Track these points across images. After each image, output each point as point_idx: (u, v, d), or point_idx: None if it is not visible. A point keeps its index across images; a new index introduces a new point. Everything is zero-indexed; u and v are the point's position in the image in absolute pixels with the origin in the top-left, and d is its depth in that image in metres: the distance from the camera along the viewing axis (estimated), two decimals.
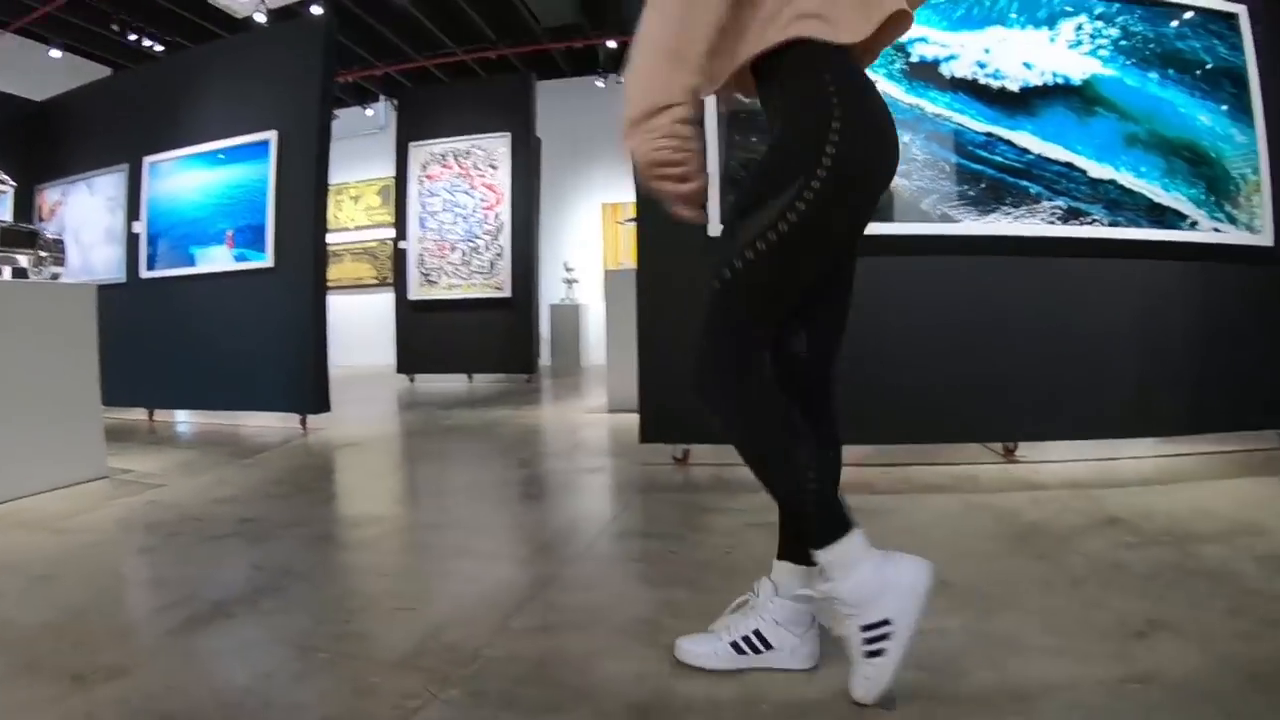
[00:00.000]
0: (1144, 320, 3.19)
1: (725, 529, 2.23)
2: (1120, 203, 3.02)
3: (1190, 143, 3.32)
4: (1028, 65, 3.08)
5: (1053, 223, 2.90)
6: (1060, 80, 3.12)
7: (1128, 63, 3.29)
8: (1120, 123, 3.16)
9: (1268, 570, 1.96)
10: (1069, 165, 3.00)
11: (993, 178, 2.88)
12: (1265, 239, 3.36)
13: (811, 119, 1.19)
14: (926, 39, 3.09)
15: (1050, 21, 3.20)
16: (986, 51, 3.07)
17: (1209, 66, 3.51)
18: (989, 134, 2.93)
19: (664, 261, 3.00)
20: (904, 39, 2.79)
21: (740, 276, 1.22)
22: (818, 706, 1.26)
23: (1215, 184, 3.32)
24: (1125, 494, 2.61)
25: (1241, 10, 3.63)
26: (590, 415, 4.75)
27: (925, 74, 3.04)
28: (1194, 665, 1.44)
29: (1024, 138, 2.97)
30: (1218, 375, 3.49)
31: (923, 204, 2.81)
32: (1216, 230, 3.26)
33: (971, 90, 2.99)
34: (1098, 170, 3.03)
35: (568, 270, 9.31)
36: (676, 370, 3.14)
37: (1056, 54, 3.18)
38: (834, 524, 1.26)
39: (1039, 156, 2.97)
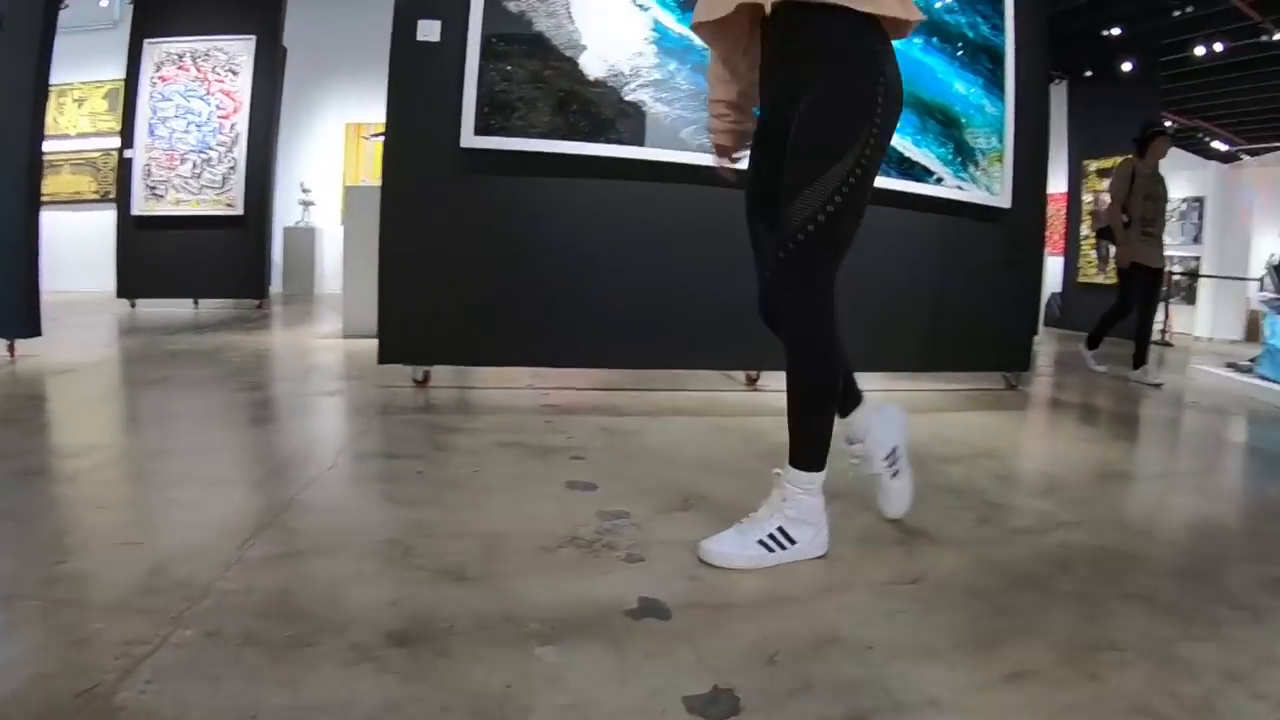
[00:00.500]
0: (889, 264, 3.66)
1: (471, 448, 2.36)
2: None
3: (944, 107, 3.53)
4: None
5: None
6: None
7: None
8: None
9: (1007, 488, 2.31)
10: None
11: (754, 113, 2.88)
12: (1003, 201, 3.70)
13: (866, 88, 1.48)
14: None
15: None
16: None
17: (971, 40, 3.67)
18: None
19: (410, 177, 3.14)
20: None
21: (823, 229, 1.49)
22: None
23: (962, 147, 3.58)
24: None
25: None
26: (325, 341, 4.66)
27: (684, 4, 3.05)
28: (956, 567, 1.62)
29: None
30: (954, 320, 3.97)
31: (682, 133, 2.81)
32: (960, 188, 3.54)
33: None
34: None
35: (304, 191, 8.83)
36: (419, 288, 3.01)
37: None
38: (855, 396, 1.79)
39: None
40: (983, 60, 3.95)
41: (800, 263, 1.51)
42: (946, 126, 3.73)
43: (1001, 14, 4.07)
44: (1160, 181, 5.42)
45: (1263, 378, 5.30)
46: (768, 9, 1.51)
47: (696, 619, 1.28)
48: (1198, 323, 12.53)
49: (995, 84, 3.97)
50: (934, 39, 3.79)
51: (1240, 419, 4.15)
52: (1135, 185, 5.30)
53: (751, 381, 3.59)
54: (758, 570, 1.50)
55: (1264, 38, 9.17)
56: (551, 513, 1.76)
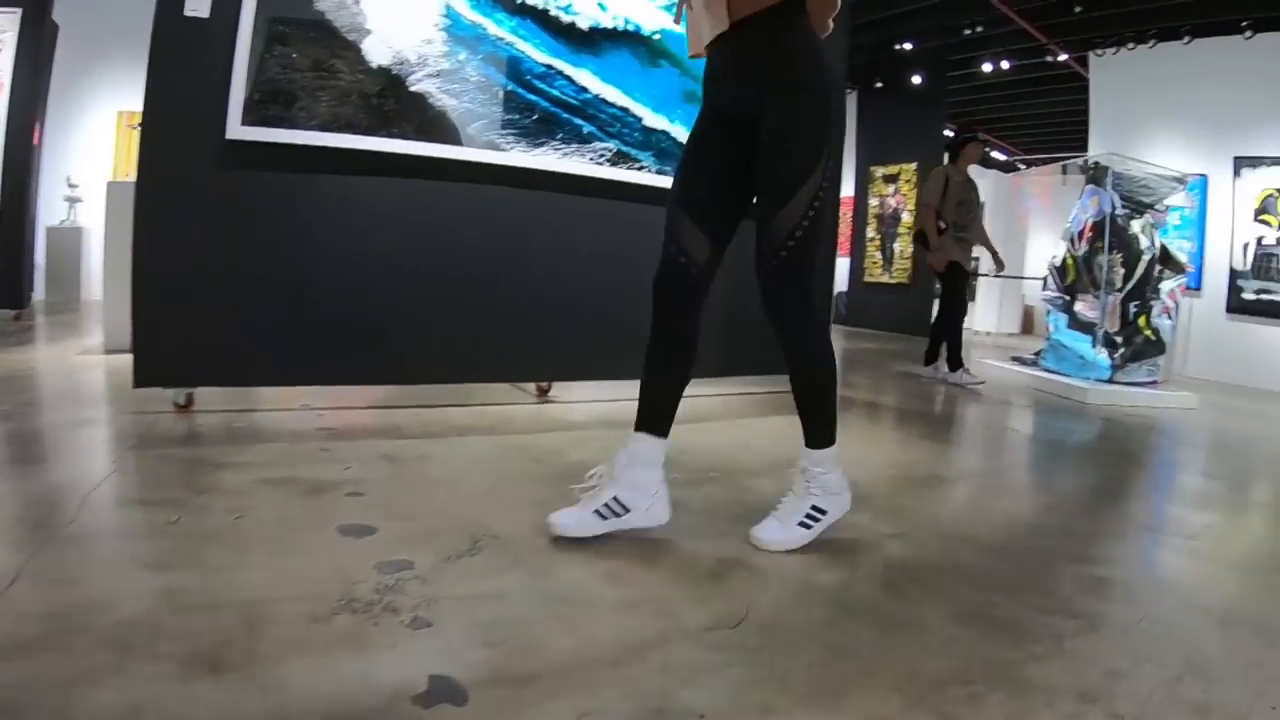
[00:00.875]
0: None
1: (235, 488, 2.05)
2: (670, 153, 3.16)
3: None
4: (602, 6, 3.15)
5: (600, 163, 2.87)
6: (632, 28, 3.19)
7: None
8: (682, 78, 3.29)
9: None
10: (625, 110, 3.05)
11: (547, 110, 2.83)
12: None
13: (824, 101, 1.70)
14: None
15: None
16: None
17: None
18: (550, 66, 2.90)
19: (170, 170, 2.76)
20: None
21: (809, 233, 1.71)
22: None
23: None
24: (674, 434, 2.78)
25: None
26: (84, 357, 4.11)
27: None
28: (780, 599, 1.53)
29: (585, 76, 2.97)
30: (750, 322, 3.75)
31: (470, 128, 2.65)
32: None
33: (540, 19, 2.96)
34: (653, 119, 3.12)
35: (71, 187, 7.97)
36: (179, 299, 2.68)
37: (633, 1, 3.14)
38: (834, 430, 1.84)
39: (597, 96, 2.98)
40: None
41: (794, 265, 1.72)
42: None
43: None
44: (973, 187, 5.65)
45: (1047, 370, 5.94)
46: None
47: (498, 700, 1.11)
48: (978, 319, 13.80)
49: None
50: None
51: (1031, 410, 4.58)
52: (949, 191, 5.51)
53: (543, 393, 3.45)
54: (568, 629, 1.36)
55: (1049, 58, 10.08)
56: (324, 568, 1.54)
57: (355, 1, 2.83)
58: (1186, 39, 8.81)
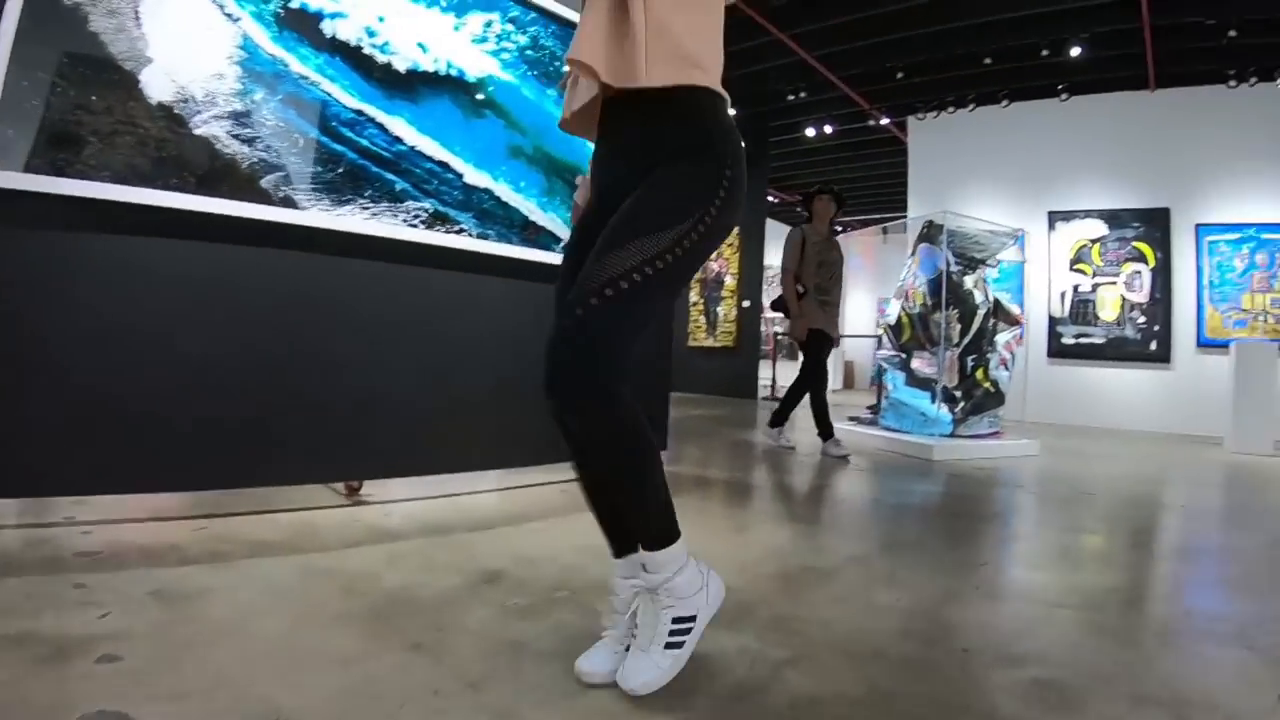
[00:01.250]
0: (502, 342, 3.32)
1: None
2: (493, 214, 2.95)
3: (575, 166, 3.38)
4: (423, 47, 2.84)
5: (415, 225, 2.61)
6: (455, 73, 2.94)
7: (530, 73, 3.22)
8: (507, 131, 3.09)
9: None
10: (444, 165, 2.82)
11: (354, 163, 2.56)
12: None
13: (710, 165, 1.45)
14: None
15: (460, 9, 3.01)
16: (380, 20, 2.76)
17: None
18: (360, 112, 2.60)
19: None
20: None
21: (625, 297, 1.35)
22: None
23: None
24: (494, 538, 2.59)
25: None
26: None
27: (302, 25, 2.69)
28: None
29: (399, 125, 2.70)
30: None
31: (264, 180, 2.32)
32: None
33: (351, 58, 2.66)
34: (474, 176, 2.91)
35: None
36: None
37: (457, 44, 3.00)
38: (673, 526, 1.51)
39: (412, 149, 2.73)
40: None
41: (601, 338, 1.36)
42: (575, 190, 3.63)
43: None
44: (834, 247, 5.36)
45: (888, 428, 6.02)
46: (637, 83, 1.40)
47: None
48: (780, 377, 14.54)
49: None
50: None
51: (881, 474, 4.50)
52: (806, 253, 5.20)
53: (353, 491, 3.00)
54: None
55: (870, 122, 10.69)
56: None
57: (137, 23, 2.43)
58: (1005, 102, 9.68)
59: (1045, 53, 8.51)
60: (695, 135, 1.45)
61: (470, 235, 3.13)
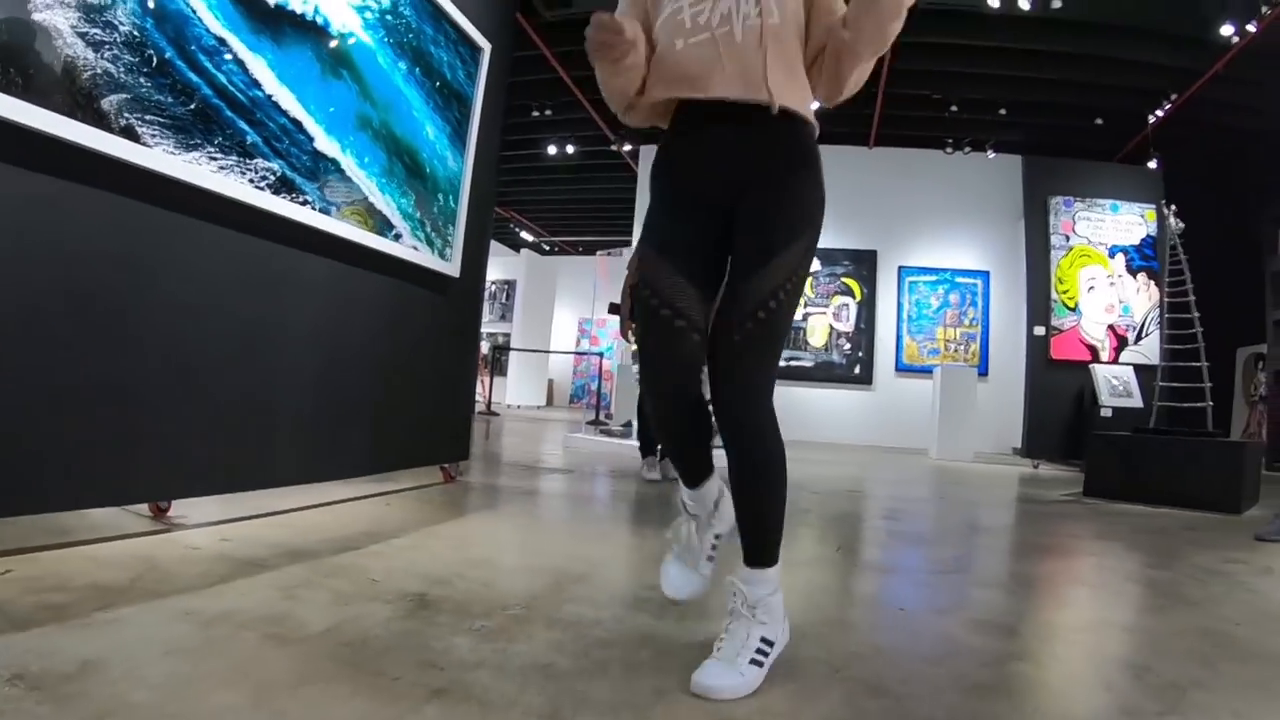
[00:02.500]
0: (333, 338, 3.07)
1: None
2: (336, 189, 2.66)
3: (414, 149, 3.20)
4: None
5: (262, 189, 2.29)
6: (320, 20, 2.65)
7: (387, 40, 3.01)
8: (360, 100, 2.86)
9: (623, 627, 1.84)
10: (297, 124, 2.53)
11: (208, 101, 2.20)
12: (453, 269, 3.45)
13: (819, 189, 1.69)
14: None
15: None
16: None
17: (448, 81, 3.42)
18: (223, 41, 2.25)
19: None
20: None
21: (778, 313, 1.57)
22: None
23: (423, 201, 3.24)
24: (371, 558, 2.37)
25: (488, 48, 3.68)
26: None
27: None
28: None
29: (260, 67, 2.38)
30: (401, 408, 3.57)
31: (105, 100, 1.87)
32: (415, 249, 3.15)
33: None
34: (325, 142, 2.65)
35: None
36: None
37: None
38: (779, 548, 1.65)
39: (269, 98, 2.41)
40: (454, 108, 3.72)
41: (763, 343, 1.57)
42: (412, 174, 3.37)
43: (477, 62, 3.92)
44: None
45: None
46: (775, 109, 1.58)
47: None
48: (509, 392, 14.78)
49: (460, 137, 3.78)
50: (417, 69, 3.41)
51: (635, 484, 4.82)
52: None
53: (161, 513, 2.50)
54: None
55: (612, 147, 11.13)
56: None
57: None
58: None
59: None
60: (809, 152, 1.67)
61: (313, 209, 2.76)
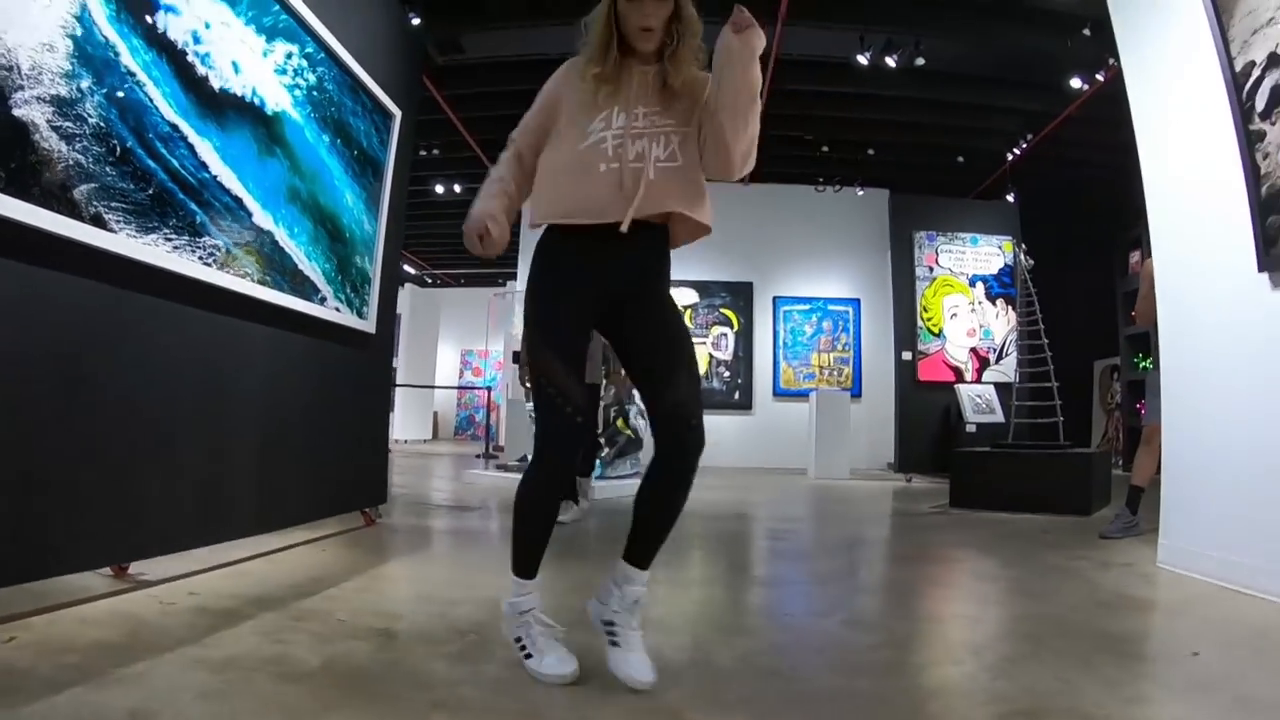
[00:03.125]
0: (271, 397, 3.25)
1: None
2: (271, 259, 2.93)
3: (335, 216, 3.46)
4: (236, 67, 2.78)
5: (210, 265, 2.50)
6: (257, 102, 2.90)
7: (313, 115, 3.27)
8: (291, 174, 3.12)
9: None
10: (239, 201, 2.78)
11: (163, 185, 2.44)
12: (369, 326, 3.69)
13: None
14: None
15: (271, 34, 2.95)
16: (207, 26, 2.64)
17: (364, 149, 3.68)
18: (175, 127, 2.50)
19: None
20: None
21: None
22: None
23: (345, 264, 3.49)
24: (333, 601, 2.62)
25: (399, 115, 3.97)
26: None
27: (138, 9, 2.49)
28: None
29: (207, 150, 2.64)
30: (330, 457, 3.77)
31: (77, 190, 2.07)
32: (337, 310, 3.39)
33: (175, 63, 2.56)
34: (261, 217, 2.89)
35: None
36: None
37: (263, 71, 2.94)
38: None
39: (214, 178, 2.67)
40: (369, 174, 3.96)
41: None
42: (334, 240, 3.59)
43: (389, 129, 4.17)
44: None
45: None
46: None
47: None
48: (396, 426, 14.66)
49: (374, 201, 4.02)
50: (338, 140, 3.63)
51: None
52: None
53: (122, 572, 2.58)
54: None
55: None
56: None
57: None
58: None
59: None
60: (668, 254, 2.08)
61: (251, 280, 2.94)
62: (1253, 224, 3.07)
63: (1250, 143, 3.07)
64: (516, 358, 6.03)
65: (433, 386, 16.85)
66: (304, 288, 3.35)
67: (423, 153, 10.18)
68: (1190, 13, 3.35)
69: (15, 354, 2.07)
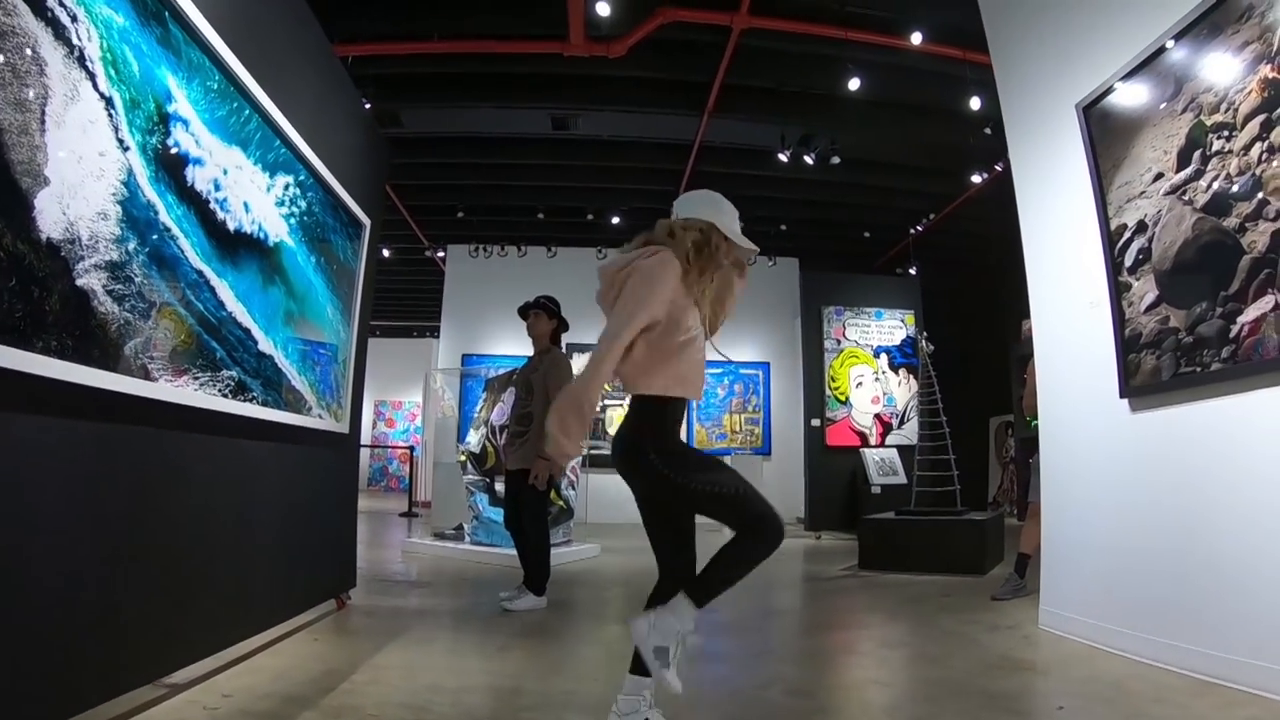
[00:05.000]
0: (274, 502, 3.51)
1: None
2: (273, 381, 3.16)
3: (320, 330, 3.67)
4: (246, 207, 3.00)
5: (226, 396, 2.75)
6: (261, 236, 3.18)
7: (303, 239, 3.55)
8: (287, 298, 3.39)
9: None
10: (247, 332, 3.07)
11: (192, 329, 2.61)
12: (345, 428, 3.93)
13: None
14: (190, 122, 2.77)
15: (274, 169, 3.21)
16: (225, 173, 2.85)
17: (342, 262, 3.97)
18: (200, 274, 2.74)
19: None
20: (173, 110, 2.65)
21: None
22: None
23: (325, 373, 3.74)
24: (362, 694, 2.91)
25: (369, 224, 4.24)
26: None
27: (174, 168, 2.71)
28: None
29: (224, 290, 2.94)
30: (314, 551, 4.07)
31: (127, 346, 2.30)
32: (321, 418, 3.65)
33: (199, 212, 2.80)
34: (265, 344, 3.19)
35: None
36: None
37: (266, 206, 3.19)
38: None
39: (231, 316, 2.97)
40: (344, 284, 4.21)
41: None
42: (319, 352, 3.82)
43: (361, 239, 4.44)
44: (534, 367, 5.00)
45: (479, 543, 7.32)
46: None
47: None
48: None
49: (348, 310, 4.26)
50: (322, 258, 3.88)
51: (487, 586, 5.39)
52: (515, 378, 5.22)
53: None
54: None
55: (426, 254, 11.93)
56: None
57: (41, 129, 2.05)
58: (553, 250, 11.79)
59: (590, 216, 11.02)
60: None
61: (257, 403, 3.16)
62: (1117, 359, 3.72)
63: (1119, 292, 3.72)
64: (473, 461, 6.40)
65: (367, 446, 16.69)
66: (297, 403, 3.60)
67: None
68: (1075, 175, 4.00)
69: (82, 508, 2.26)
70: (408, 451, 15.35)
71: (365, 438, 18.45)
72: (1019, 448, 11.36)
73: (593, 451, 11.51)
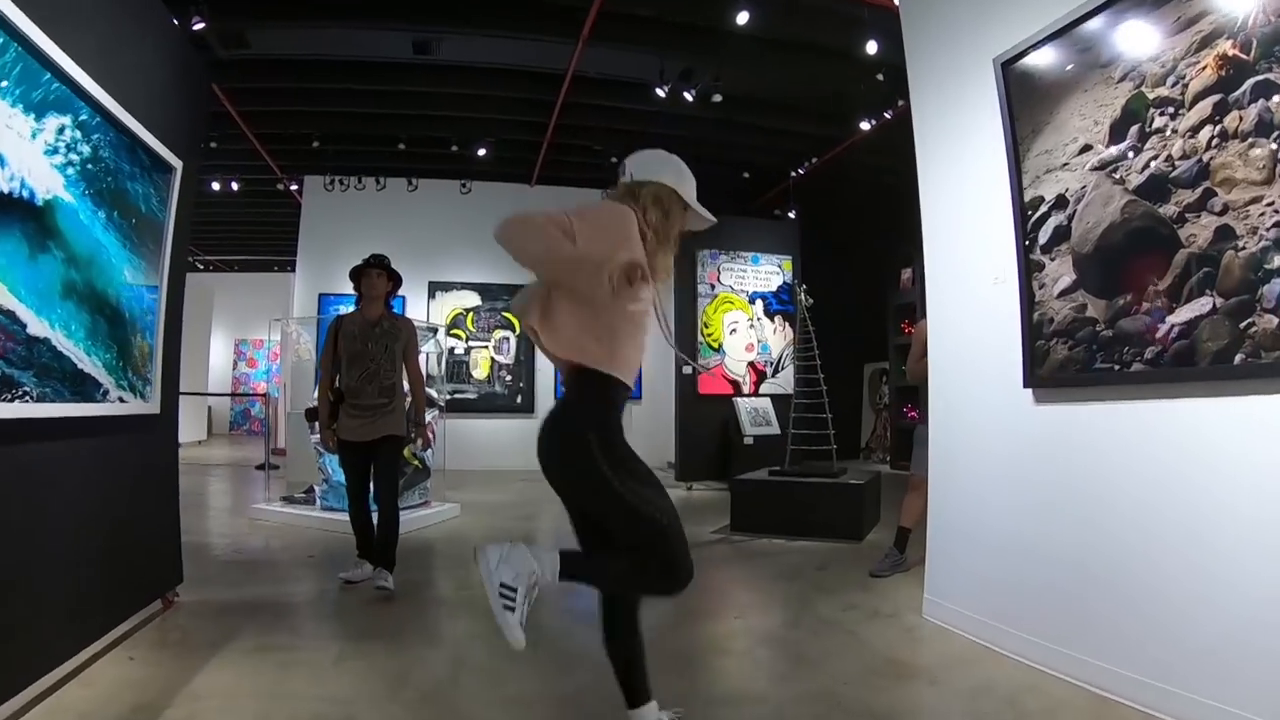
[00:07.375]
0: (65, 509, 3.05)
1: None
2: (50, 368, 2.75)
3: (115, 299, 3.30)
4: (2, 161, 2.50)
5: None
6: (26, 194, 2.71)
7: (87, 193, 3.10)
8: (65, 267, 2.98)
9: None
10: (11, 315, 2.61)
11: None
12: (154, 408, 3.55)
13: None
14: None
15: (41, 109, 2.73)
16: None
17: (144, 214, 3.52)
18: None
19: None
20: None
21: None
22: None
23: (125, 349, 3.33)
24: None
25: (180, 167, 3.80)
26: None
27: None
28: None
29: None
30: (126, 554, 3.57)
31: None
32: (122, 400, 3.26)
33: None
34: (37, 325, 2.74)
35: None
36: None
37: (32, 156, 2.72)
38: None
39: None
40: (148, 239, 3.70)
41: None
42: (114, 325, 3.34)
43: (170, 184, 3.92)
44: (385, 332, 4.67)
45: (328, 508, 6.83)
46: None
47: None
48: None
49: (154, 268, 3.77)
50: (115, 212, 3.38)
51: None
52: (339, 344, 4.64)
53: None
54: None
55: (279, 186, 11.09)
56: None
57: None
58: (413, 183, 11.50)
59: (454, 147, 10.43)
60: None
61: (30, 399, 2.71)
62: (1023, 345, 3.43)
63: (1029, 271, 3.42)
64: (311, 415, 5.90)
65: (211, 394, 15.84)
66: (85, 388, 3.10)
67: (200, 145, 9.54)
68: (987, 137, 3.65)
69: None
70: (263, 393, 14.62)
71: (225, 380, 17.58)
72: (894, 395, 11.72)
73: (457, 395, 11.21)
